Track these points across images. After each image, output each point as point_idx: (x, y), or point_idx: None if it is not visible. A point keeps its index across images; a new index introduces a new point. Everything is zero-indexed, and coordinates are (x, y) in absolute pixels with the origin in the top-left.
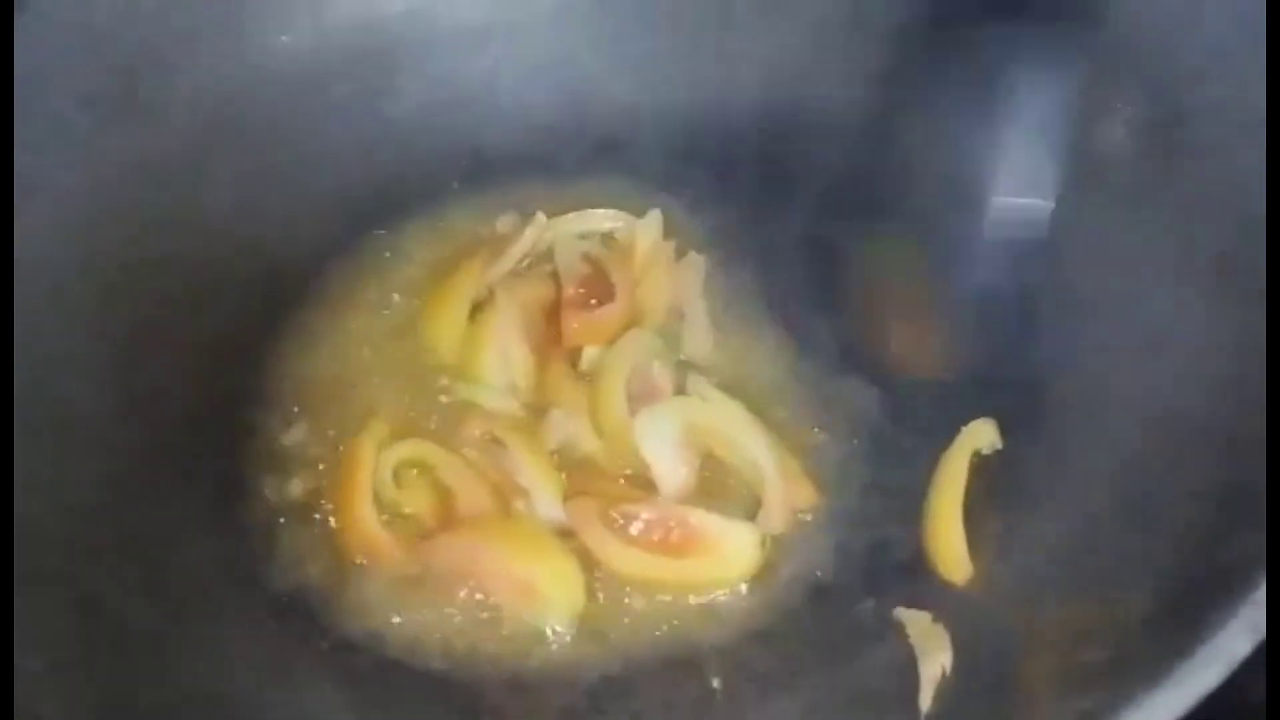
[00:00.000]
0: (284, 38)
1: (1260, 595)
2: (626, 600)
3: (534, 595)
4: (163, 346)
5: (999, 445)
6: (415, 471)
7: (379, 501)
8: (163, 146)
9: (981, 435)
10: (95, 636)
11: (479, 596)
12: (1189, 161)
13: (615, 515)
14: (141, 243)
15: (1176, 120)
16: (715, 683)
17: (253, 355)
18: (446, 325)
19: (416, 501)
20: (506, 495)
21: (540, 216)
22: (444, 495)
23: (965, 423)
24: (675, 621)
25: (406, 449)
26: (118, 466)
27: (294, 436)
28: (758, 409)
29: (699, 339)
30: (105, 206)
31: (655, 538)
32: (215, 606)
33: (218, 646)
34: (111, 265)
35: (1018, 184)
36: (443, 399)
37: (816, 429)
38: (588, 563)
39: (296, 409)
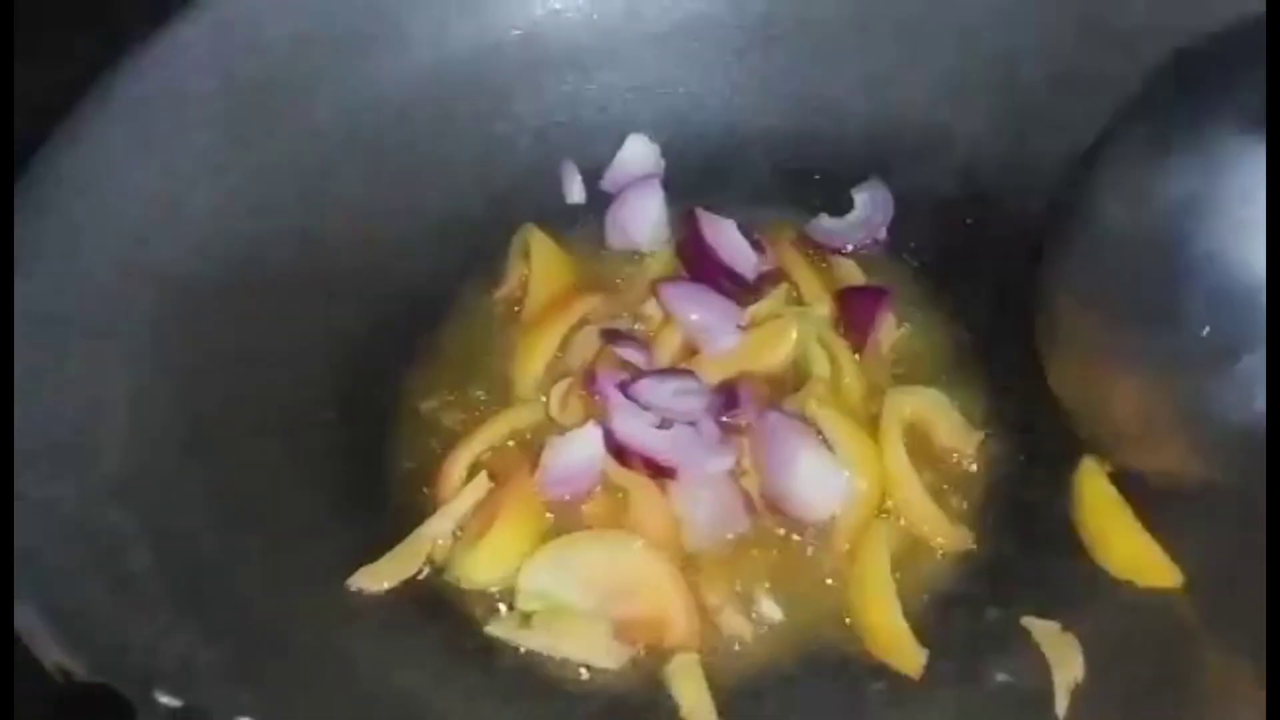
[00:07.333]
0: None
1: None
2: (755, 614)
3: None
4: (292, 361)
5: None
6: None
7: None
8: (289, 168)
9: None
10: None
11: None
12: None
13: None
14: (269, 260)
15: None
16: (846, 692)
17: (379, 370)
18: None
19: None
20: None
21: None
22: None
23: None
24: (806, 631)
25: None
26: (261, 483)
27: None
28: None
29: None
30: (234, 225)
31: None
32: (363, 613)
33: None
34: (241, 282)
35: None
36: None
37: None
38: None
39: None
